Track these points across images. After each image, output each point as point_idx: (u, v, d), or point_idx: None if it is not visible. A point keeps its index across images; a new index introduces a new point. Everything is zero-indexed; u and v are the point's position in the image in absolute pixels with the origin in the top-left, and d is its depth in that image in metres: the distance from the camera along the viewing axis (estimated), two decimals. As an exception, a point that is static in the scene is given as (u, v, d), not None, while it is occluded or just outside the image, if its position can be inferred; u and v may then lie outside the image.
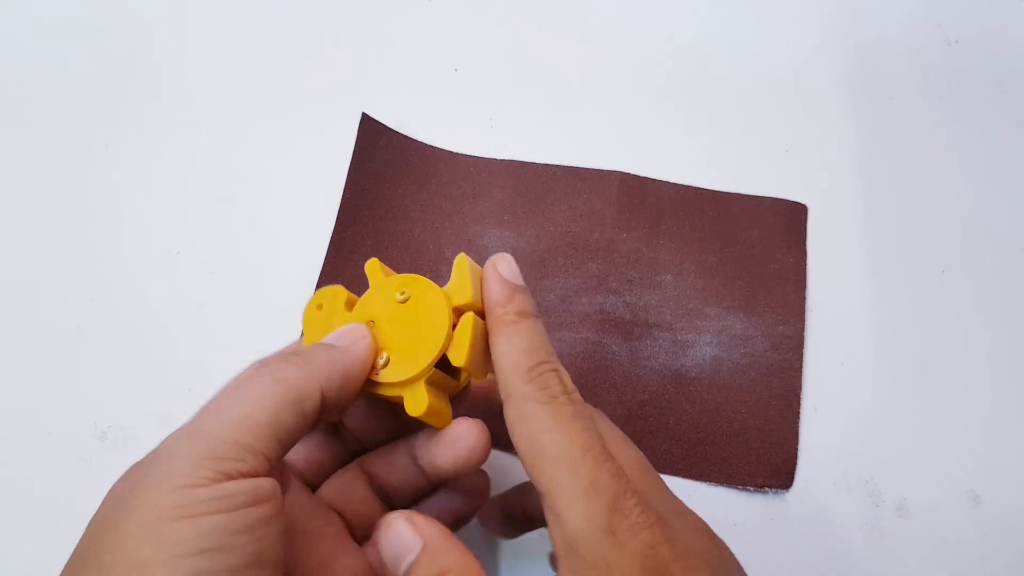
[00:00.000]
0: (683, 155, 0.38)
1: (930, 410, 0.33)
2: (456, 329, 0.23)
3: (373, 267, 0.25)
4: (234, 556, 0.18)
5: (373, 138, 0.37)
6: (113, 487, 0.19)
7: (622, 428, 0.28)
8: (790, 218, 0.36)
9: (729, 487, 0.31)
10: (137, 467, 0.19)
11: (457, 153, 0.37)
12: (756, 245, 0.35)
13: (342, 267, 0.34)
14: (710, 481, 0.31)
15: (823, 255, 0.36)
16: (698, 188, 0.36)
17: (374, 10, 0.42)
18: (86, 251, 0.37)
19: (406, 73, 0.40)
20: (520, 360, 0.22)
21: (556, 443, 0.21)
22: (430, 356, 0.22)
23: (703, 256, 0.35)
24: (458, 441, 0.23)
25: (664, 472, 0.30)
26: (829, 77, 0.40)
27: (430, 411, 0.22)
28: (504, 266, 0.24)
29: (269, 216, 0.37)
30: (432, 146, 0.38)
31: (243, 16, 0.42)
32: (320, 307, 0.24)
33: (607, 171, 0.36)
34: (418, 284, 0.24)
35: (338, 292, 0.24)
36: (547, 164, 0.37)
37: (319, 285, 0.34)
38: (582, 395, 0.28)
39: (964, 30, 0.40)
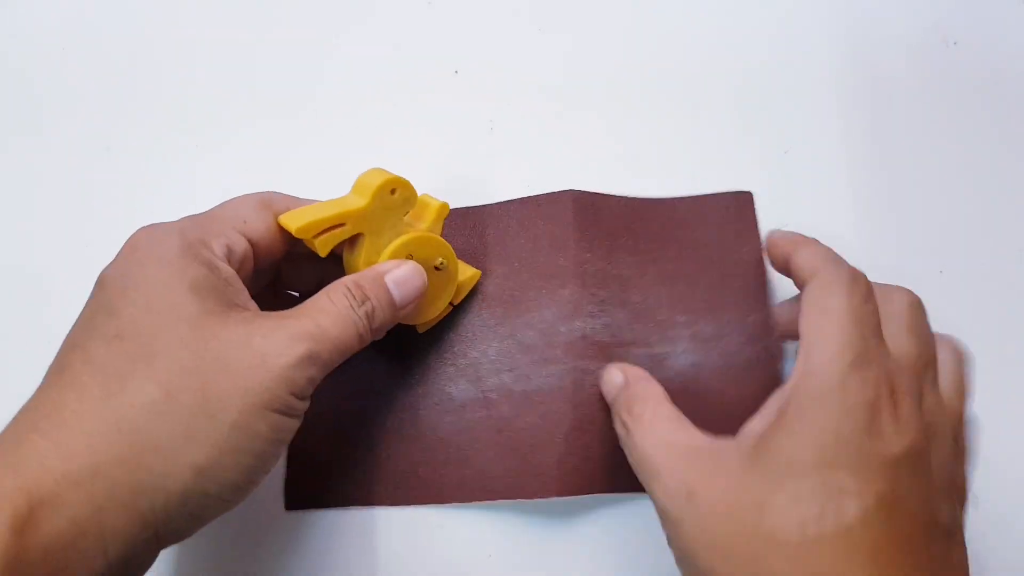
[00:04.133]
0: (682, 155, 0.38)
1: (929, 410, 0.33)
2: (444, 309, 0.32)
3: (444, 212, 0.31)
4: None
5: None
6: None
7: (616, 452, 0.30)
8: (736, 209, 0.35)
9: None
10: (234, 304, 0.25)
11: None
12: (709, 244, 0.34)
13: None
14: None
15: (822, 256, 0.36)
16: (644, 199, 0.35)
17: (374, 12, 0.42)
18: (88, 252, 0.37)
19: (406, 75, 0.41)
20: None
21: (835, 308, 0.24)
22: (422, 320, 0.31)
23: (662, 266, 0.34)
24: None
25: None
26: (828, 78, 0.40)
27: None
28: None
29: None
30: None
31: (243, 18, 0.42)
32: (393, 192, 0.28)
33: (558, 193, 0.35)
34: (452, 262, 0.31)
35: (412, 197, 0.29)
36: (500, 202, 0.36)
37: None
38: (578, 424, 0.31)
39: (963, 31, 0.41)
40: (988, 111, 0.39)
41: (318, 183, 0.37)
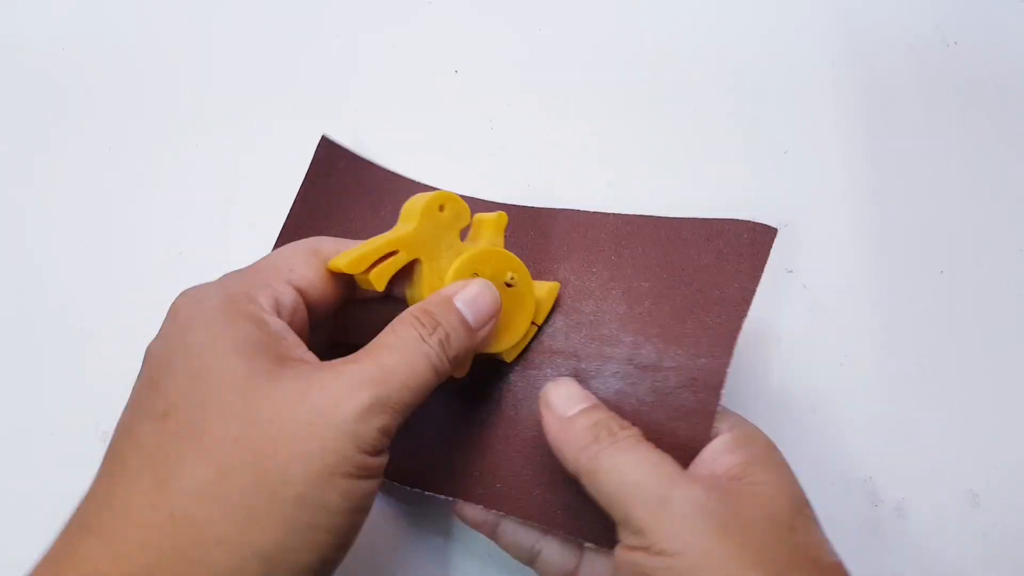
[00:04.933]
0: (682, 155, 0.38)
1: (929, 410, 0.33)
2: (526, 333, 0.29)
3: (502, 221, 0.29)
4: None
5: (331, 160, 0.35)
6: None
7: (507, 471, 0.28)
8: (751, 243, 0.29)
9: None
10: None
11: (419, 182, 0.36)
12: (701, 271, 0.29)
13: None
14: (598, 545, 0.26)
15: (821, 255, 0.36)
16: (649, 216, 0.31)
17: (374, 11, 0.42)
18: (89, 252, 0.37)
19: (406, 74, 0.41)
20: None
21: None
22: (505, 347, 0.28)
23: (635, 283, 0.30)
24: None
25: (550, 528, 0.27)
26: (827, 78, 0.40)
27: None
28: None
29: (271, 217, 0.37)
30: (395, 173, 0.36)
31: (244, 18, 0.42)
32: (442, 209, 0.26)
33: (557, 210, 0.33)
34: (524, 276, 0.28)
35: (463, 211, 0.27)
36: (508, 204, 0.34)
37: None
38: (468, 433, 0.30)
39: (962, 31, 0.40)
40: (987, 111, 0.39)
41: (318, 183, 0.37)
